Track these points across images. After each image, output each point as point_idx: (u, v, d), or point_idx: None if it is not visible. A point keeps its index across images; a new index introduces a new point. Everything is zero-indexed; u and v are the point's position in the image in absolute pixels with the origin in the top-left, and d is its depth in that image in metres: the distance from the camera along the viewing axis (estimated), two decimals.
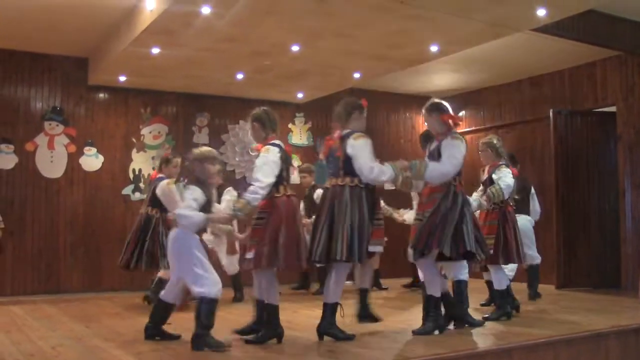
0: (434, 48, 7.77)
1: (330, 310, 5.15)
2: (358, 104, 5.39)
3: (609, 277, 9.05)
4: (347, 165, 5.13)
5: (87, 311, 7.19)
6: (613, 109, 9.29)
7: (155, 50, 7.62)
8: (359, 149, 5.10)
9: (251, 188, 4.93)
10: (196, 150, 5.21)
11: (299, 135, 10.89)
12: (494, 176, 6.36)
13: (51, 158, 9.10)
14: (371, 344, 5.02)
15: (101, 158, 9.45)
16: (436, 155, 5.38)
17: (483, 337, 5.37)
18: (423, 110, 5.64)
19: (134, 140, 9.70)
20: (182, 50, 7.66)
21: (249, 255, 5.04)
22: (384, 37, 7.35)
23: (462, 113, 11.31)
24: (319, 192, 8.59)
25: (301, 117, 10.93)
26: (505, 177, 6.26)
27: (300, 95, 10.35)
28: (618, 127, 9.16)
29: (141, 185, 9.53)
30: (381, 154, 5.54)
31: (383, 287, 9.18)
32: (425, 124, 5.82)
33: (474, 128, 11.28)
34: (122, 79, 9.07)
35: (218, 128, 10.37)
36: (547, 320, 6.20)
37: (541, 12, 6.58)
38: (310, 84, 9.61)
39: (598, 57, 9.26)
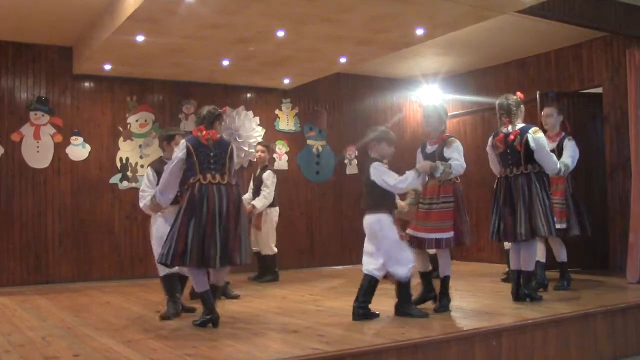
0: (419, 31, 7.74)
1: (527, 277, 6.17)
2: (520, 100, 6.25)
3: (598, 258, 9.11)
4: (528, 156, 6.00)
5: (76, 301, 7.19)
6: (599, 90, 9.31)
7: (140, 38, 7.57)
8: (542, 143, 5.99)
9: (459, 163, 5.63)
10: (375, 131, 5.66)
11: (285, 121, 10.85)
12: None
13: (37, 148, 9.03)
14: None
15: (88, 147, 9.39)
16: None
17: (472, 319, 5.41)
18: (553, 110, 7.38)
19: (120, 129, 9.64)
20: (167, 38, 7.61)
21: (443, 235, 5.67)
22: (369, 21, 7.31)
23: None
24: (269, 174, 8.61)
25: (288, 103, 10.89)
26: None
27: (286, 81, 10.30)
28: (604, 108, 9.19)
29: (128, 174, 9.48)
30: None
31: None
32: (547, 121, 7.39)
33: (460, 111, 11.29)
34: (107, 67, 9.01)
35: None
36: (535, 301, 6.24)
37: None
38: (296, 69, 9.57)
39: (584, 39, 9.27)
